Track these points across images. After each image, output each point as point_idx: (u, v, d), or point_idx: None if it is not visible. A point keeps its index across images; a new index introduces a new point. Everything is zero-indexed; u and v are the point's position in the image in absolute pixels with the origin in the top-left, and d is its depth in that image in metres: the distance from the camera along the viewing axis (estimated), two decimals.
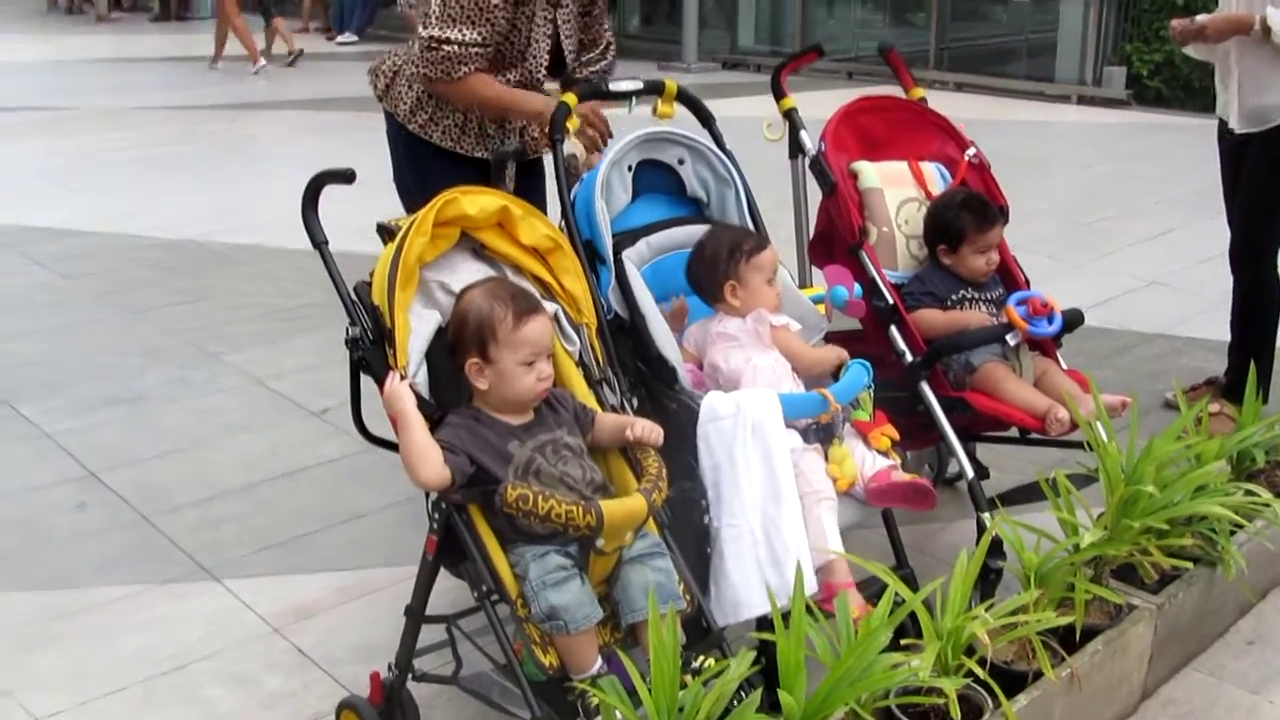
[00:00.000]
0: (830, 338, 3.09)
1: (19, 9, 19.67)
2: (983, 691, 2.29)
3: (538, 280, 2.52)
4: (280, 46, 13.48)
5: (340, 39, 15.56)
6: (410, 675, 2.47)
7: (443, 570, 2.38)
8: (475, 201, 2.42)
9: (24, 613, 3.08)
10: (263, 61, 12.76)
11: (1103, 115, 10.62)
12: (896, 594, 2.21)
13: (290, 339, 5.00)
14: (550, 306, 2.49)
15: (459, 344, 2.28)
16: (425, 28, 3.14)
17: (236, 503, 3.66)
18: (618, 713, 1.86)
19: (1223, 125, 4.08)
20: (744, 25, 14.18)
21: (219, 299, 5.58)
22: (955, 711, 2.15)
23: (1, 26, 17.08)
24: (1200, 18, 3.96)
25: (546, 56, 3.34)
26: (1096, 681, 2.59)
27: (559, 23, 3.35)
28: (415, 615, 2.40)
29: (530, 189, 3.35)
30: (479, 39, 3.12)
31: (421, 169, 3.31)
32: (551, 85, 3.37)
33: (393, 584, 3.12)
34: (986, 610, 2.32)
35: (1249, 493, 2.86)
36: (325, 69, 13.40)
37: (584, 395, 2.48)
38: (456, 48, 3.11)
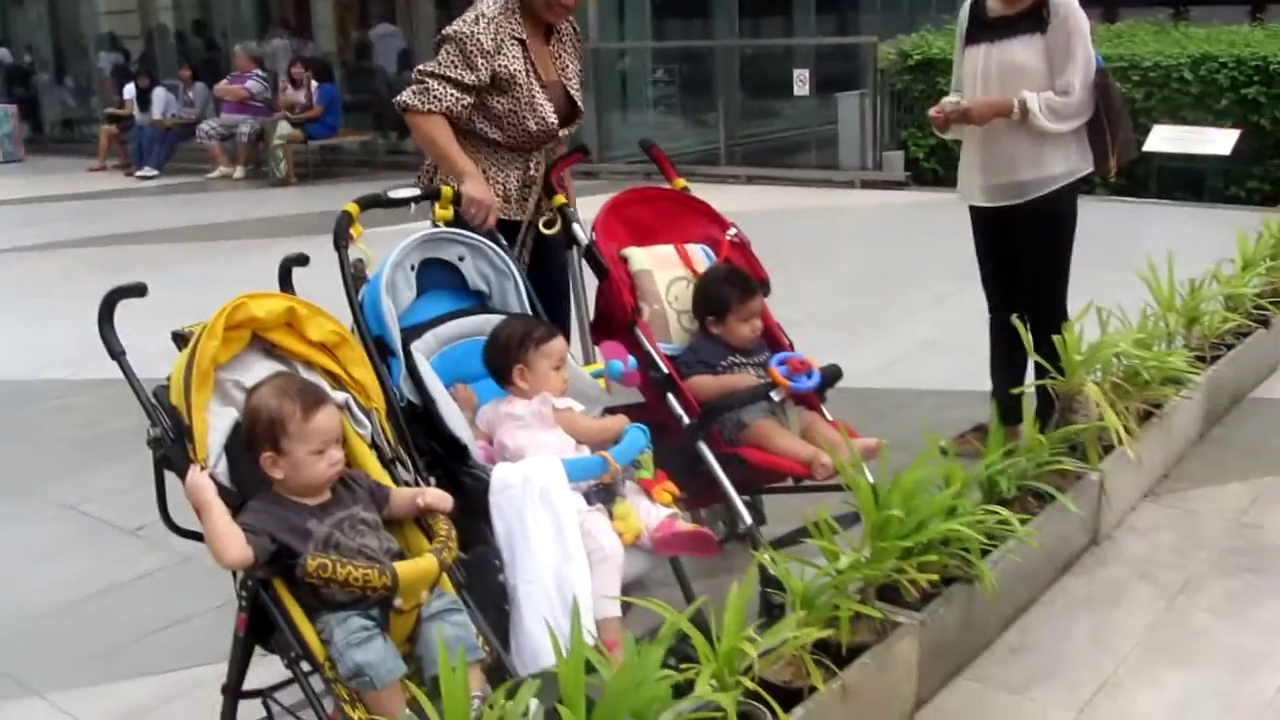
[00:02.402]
0: (616, 410, 3.36)
1: None
2: (763, 708, 2.54)
3: (327, 373, 2.73)
4: None
5: (140, 174, 15.48)
6: None
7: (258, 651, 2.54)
8: (263, 305, 2.62)
9: None
10: None
11: (885, 197, 11.31)
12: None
13: (102, 465, 5.04)
14: (340, 396, 2.69)
15: (253, 439, 2.47)
16: (422, 67, 3.77)
17: (55, 623, 3.71)
18: None
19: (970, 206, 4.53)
20: None
21: (26, 433, 5.58)
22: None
23: None
24: (964, 102, 4.34)
25: (551, 110, 3.86)
26: (869, 694, 2.85)
27: (566, 77, 3.99)
28: (231, 692, 2.54)
29: (549, 257, 3.86)
30: (460, 80, 3.72)
31: None
32: (565, 132, 4.04)
33: (218, 678, 3.19)
34: (757, 632, 2.58)
35: (990, 512, 3.21)
36: (128, 205, 13.35)
37: (378, 474, 2.68)
38: (438, 83, 3.70)
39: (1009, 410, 3.93)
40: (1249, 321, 5.26)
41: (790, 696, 2.67)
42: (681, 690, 2.37)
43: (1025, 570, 3.50)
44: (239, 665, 2.52)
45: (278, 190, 13.66)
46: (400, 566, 2.34)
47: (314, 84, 14.25)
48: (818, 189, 11.85)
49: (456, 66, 3.71)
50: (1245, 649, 3.36)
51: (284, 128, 13.96)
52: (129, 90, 16.22)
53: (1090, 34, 4.30)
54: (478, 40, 3.71)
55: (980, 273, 4.65)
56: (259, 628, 2.47)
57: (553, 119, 3.84)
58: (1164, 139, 9.88)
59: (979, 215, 4.55)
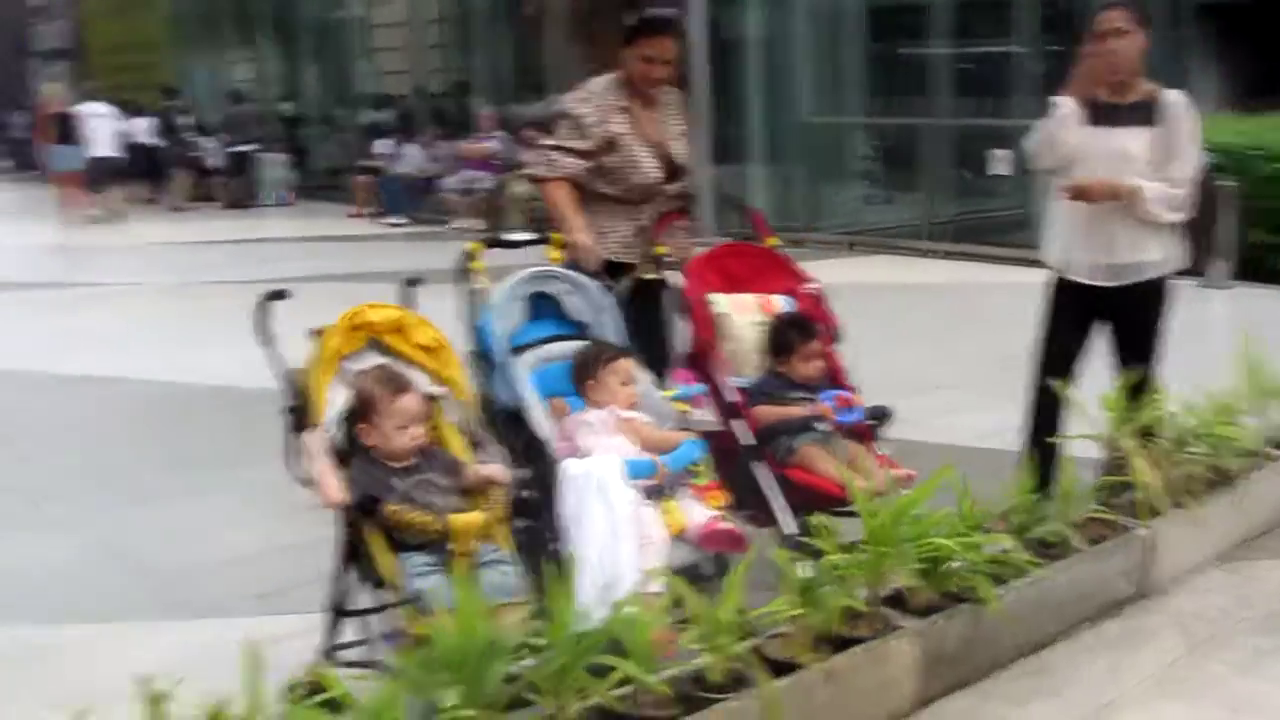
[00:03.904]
0: (701, 435, 3.93)
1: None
2: (752, 673, 3.06)
3: (429, 370, 3.42)
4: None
5: (390, 221, 16.96)
6: (332, 659, 3.27)
7: None
8: (379, 312, 3.36)
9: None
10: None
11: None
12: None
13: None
14: (439, 389, 3.38)
15: (354, 413, 3.18)
16: (544, 141, 4.56)
17: (229, 570, 4.56)
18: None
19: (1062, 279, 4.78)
20: (755, 202, 15.31)
21: (249, 426, 6.51)
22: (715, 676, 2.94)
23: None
24: (1086, 179, 4.54)
25: (654, 167, 4.50)
26: (860, 682, 3.30)
27: (668, 138, 4.60)
28: (334, 610, 3.24)
29: (649, 298, 4.45)
30: (576, 148, 4.43)
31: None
32: (671, 188, 4.62)
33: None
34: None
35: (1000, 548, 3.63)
36: (377, 248, 14.70)
37: (460, 452, 3.36)
38: (558, 154, 4.42)
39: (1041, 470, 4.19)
40: None
41: (783, 671, 3.17)
42: None
43: (1049, 604, 3.87)
44: (338, 587, 3.21)
45: None
46: (452, 518, 3.00)
47: None
48: (1013, 266, 12.08)
49: (572, 136, 4.43)
50: (1252, 697, 3.60)
51: (519, 185, 15.08)
52: (383, 145, 17.77)
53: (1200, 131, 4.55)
54: (586, 113, 4.41)
55: (1048, 337, 4.84)
56: (353, 558, 3.15)
57: (655, 175, 4.49)
58: None
59: (1070, 288, 4.79)
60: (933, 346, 8.70)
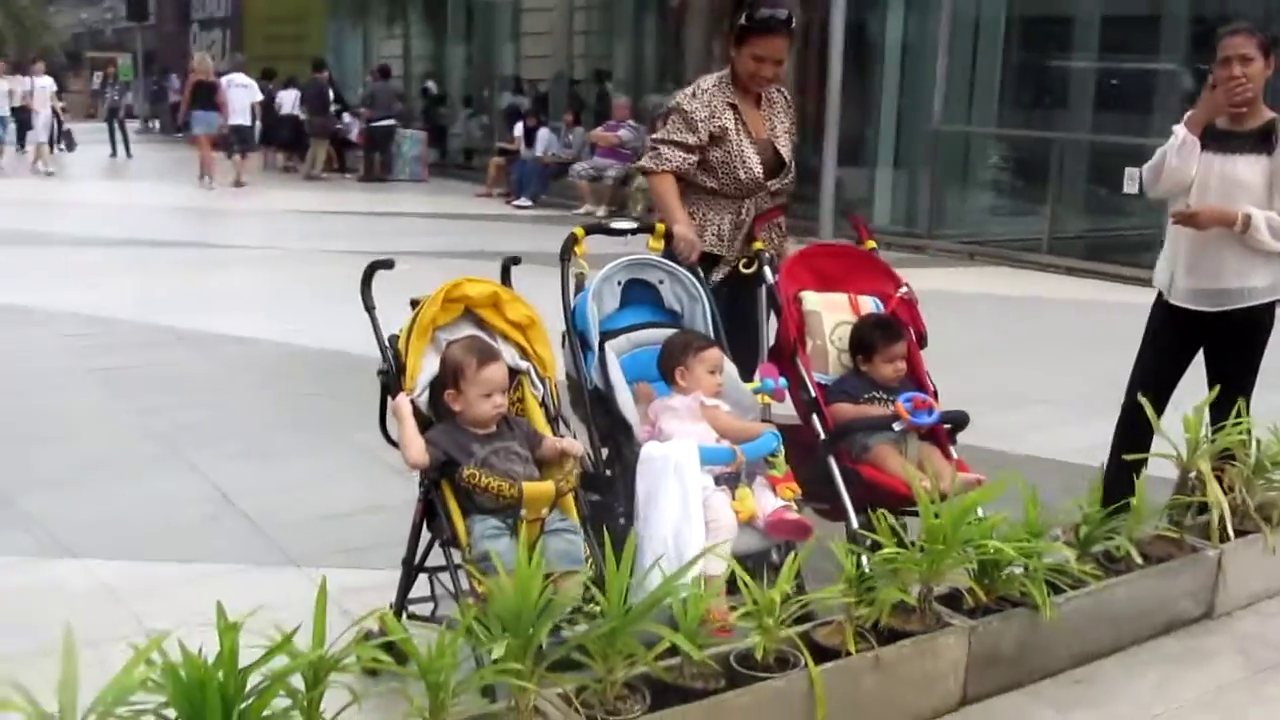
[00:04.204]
0: (781, 427, 4.07)
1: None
2: (798, 654, 3.20)
3: (518, 346, 3.62)
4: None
5: (517, 203, 17.33)
6: (402, 611, 3.50)
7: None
8: (476, 286, 3.56)
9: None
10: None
11: None
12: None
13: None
14: (524, 364, 3.59)
15: (443, 380, 3.39)
16: (655, 135, 4.78)
17: (326, 524, 4.83)
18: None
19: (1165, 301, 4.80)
20: (879, 207, 15.33)
21: (353, 394, 6.83)
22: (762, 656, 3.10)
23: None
24: (1191, 206, 4.58)
25: (758, 164, 4.66)
26: (906, 673, 3.43)
27: (775, 135, 4.77)
28: (407, 563, 3.47)
29: (744, 292, 4.58)
30: (684, 143, 4.61)
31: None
32: (774, 184, 4.74)
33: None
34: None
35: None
36: (503, 229, 15.05)
37: (540, 425, 3.55)
38: (667, 148, 4.61)
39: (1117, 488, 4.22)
40: None
41: (829, 657, 3.31)
42: None
43: (1105, 617, 3.93)
44: (414, 543, 3.44)
45: None
46: (526, 485, 3.20)
47: None
48: (1135, 286, 11.90)
49: (681, 131, 4.58)
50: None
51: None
52: (518, 128, 18.18)
53: None
54: (696, 109, 4.56)
55: (1144, 356, 4.90)
56: (429, 516, 3.37)
57: (758, 170, 4.62)
58: None
59: (1170, 311, 4.80)
60: (1040, 361, 8.68)
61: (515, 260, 3.85)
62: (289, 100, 21.49)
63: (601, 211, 16.11)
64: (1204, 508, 4.32)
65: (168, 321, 8.76)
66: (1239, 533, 4.39)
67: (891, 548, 3.44)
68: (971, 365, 8.49)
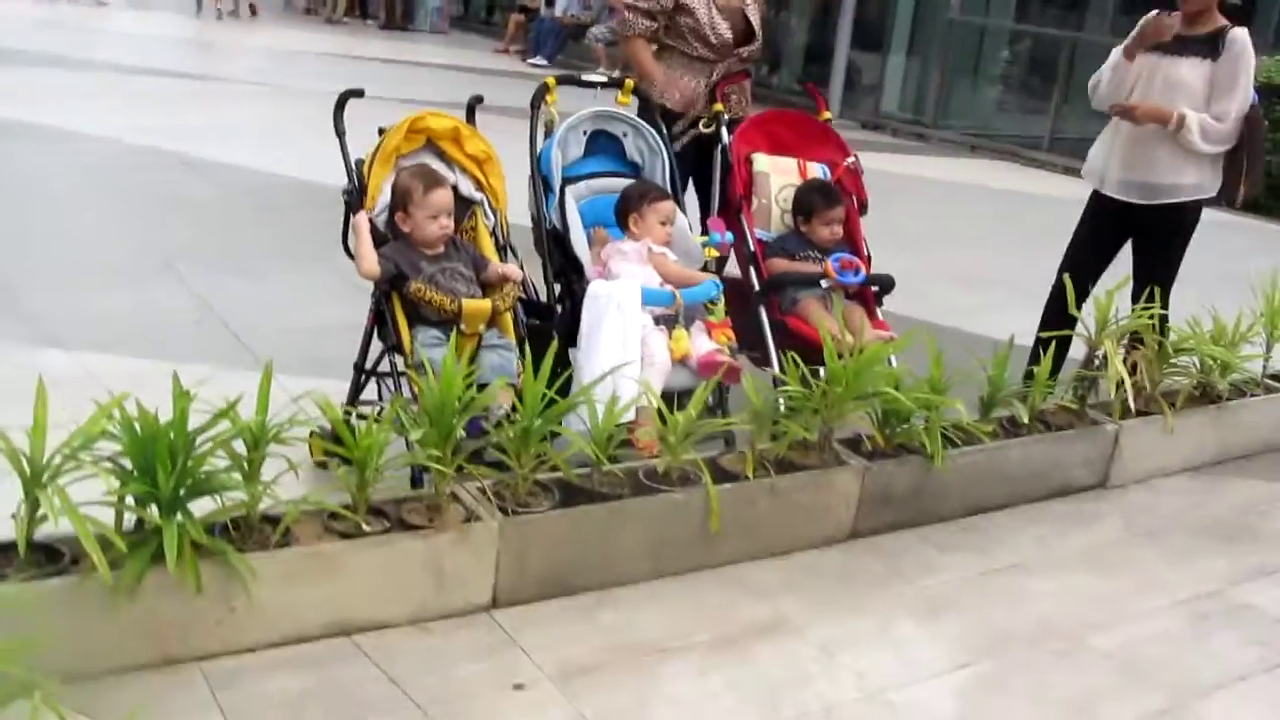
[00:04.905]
0: (725, 279, 4.38)
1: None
2: (700, 473, 3.56)
3: (474, 178, 3.92)
4: None
5: (532, 61, 17.41)
6: (354, 412, 3.87)
7: None
8: (438, 120, 3.86)
9: None
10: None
11: None
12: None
13: None
14: (479, 195, 3.90)
15: (394, 203, 3.70)
16: (625, 1, 5.16)
17: (298, 337, 5.15)
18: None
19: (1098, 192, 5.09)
20: (888, 93, 15.42)
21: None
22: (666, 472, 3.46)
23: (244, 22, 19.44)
24: (1130, 101, 4.85)
25: (727, 29, 5.02)
26: (800, 501, 3.79)
27: (745, 4, 5.12)
28: (357, 367, 3.82)
29: (699, 160, 4.90)
30: (648, 9, 5.06)
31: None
32: (744, 50, 5.13)
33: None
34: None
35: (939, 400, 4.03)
36: (516, 85, 15.16)
37: (489, 252, 3.88)
38: (632, 14, 5.06)
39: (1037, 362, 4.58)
40: None
41: (730, 480, 3.67)
42: None
43: (997, 474, 4.28)
44: (365, 349, 3.79)
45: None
46: (465, 301, 3.53)
47: None
48: None
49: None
50: (1167, 582, 3.96)
51: None
52: None
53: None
54: None
55: (1073, 245, 5.19)
56: (379, 324, 3.71)
57: (727, 36, 4.92)
58: None
59: (1101, 201, 5.10)
60: (1014, 250, 8.96)
61: (479, 99, 4.13)
62: None
63: (616, 75, 16.16)
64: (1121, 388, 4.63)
65: (169, 147, 9.05)
66: (1143, 413, 4.73)
67: (797, 388, 3.79)
68: (946, 248, 8.81)
